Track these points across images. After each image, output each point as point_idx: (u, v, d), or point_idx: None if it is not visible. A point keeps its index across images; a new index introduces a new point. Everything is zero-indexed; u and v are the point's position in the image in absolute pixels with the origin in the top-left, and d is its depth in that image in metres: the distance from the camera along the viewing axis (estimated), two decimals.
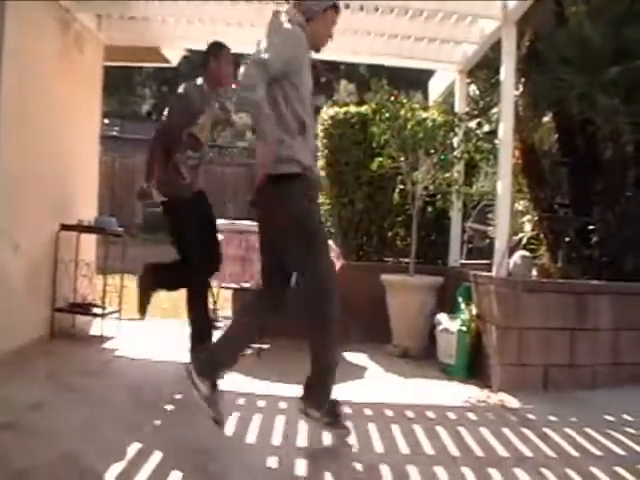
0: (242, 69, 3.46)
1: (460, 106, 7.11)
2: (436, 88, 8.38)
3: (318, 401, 3.68)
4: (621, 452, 3.82)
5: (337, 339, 3.66)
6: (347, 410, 4.36)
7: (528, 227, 7.29)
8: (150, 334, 6.67)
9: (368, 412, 4.38)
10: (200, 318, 5.25)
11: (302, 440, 3.76)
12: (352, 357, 6.03)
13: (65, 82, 6.14)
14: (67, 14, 6.10)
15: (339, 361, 3.73)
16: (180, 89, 5.24)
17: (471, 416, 4.41)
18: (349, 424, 3.84)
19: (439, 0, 5.98)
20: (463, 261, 7.45)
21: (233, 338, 3.80)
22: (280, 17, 3.76)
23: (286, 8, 3.87)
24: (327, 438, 3.79)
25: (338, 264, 6.04)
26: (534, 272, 5.99)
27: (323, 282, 3.62)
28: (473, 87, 8.09)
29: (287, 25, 3.66)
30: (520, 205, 7.43)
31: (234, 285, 6.51)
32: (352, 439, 3.80)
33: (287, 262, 3.71)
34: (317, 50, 3.91)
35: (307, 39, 3.73)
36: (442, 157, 6.37)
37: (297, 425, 3.95)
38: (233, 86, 5.00)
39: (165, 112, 5.30)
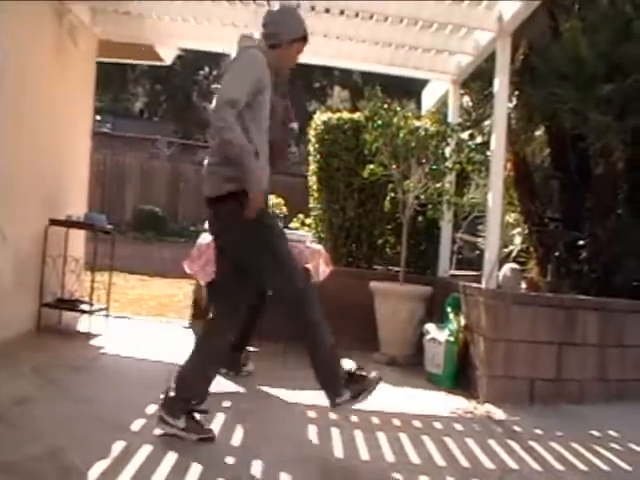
0: (215, 106, 3.47)
1: (453, 117, 7.13)
2: (429, 98, 8.39)
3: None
4: (606, 468, 3.82)
5: None
6: (333, 416, 4.36)
7: (518, 240, 7.32)
8: (137, 332, 6.65)
9: (354, 419, 4.35)
10: None
11: (286, 445, 3.74)
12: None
13: (58, 75, 6.11)
14: (61, 6, 6.06)
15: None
16: None
17: (457, 426, 4.41)
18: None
19: (435, 3, 5.99)
20: (453, 272, 7.46)
21: None
22: (242, 42, 3.77)
23: (251, 32, 3.90)
24: (311, 445, 3.78)
25: (327, 270, 6.03)
26: (523, 285, 6.00)
27: None
28: (466, 98, 8.11)
29: (247, 51, 3.66)
30: (511, 218, 7.46)
31: None
32: (338, 446, 3.79)
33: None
34: (278, 75, 3.89)
35: (271, 62, 3.74)
36: (433, 167, 6.37)
37: (282, 430, 3.94)
38: None
39: None
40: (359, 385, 3.69)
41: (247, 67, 3.61)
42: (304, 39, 3.92)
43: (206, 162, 3.75)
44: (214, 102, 3.51)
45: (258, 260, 3.65)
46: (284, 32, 3.83)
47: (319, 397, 4.74)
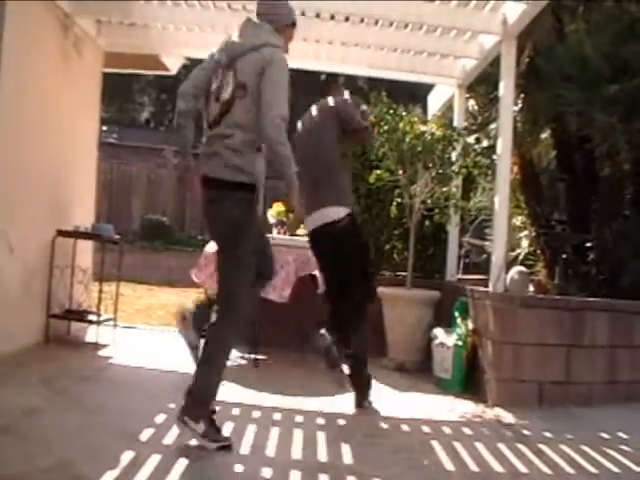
0: (273, 121, 3.54)
1: (459, 121, 7.12)
2: (435, 102, 8.39)
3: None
4: (616, 470, 3.81)
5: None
6: (341, 422, 4.36)
7: (525, 243, 7.30)
8: (145, 341, 6.66)
9: (363, 425, 4.35)
10: None
11: (296, 452, 3.74)
12: (347, 370, 6.00)
13: (64, 87, 6.13)
14: (67, 18, 6.10)
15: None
16: None
17: (466, 431, 4.40)
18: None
19: (440, 7, 5.98)
20: (460, 276, 7.45)
21: None
22: (264, 33, 3.79)
23: (261, 21, 3.89)
24: (322, 451, 3.78)
25: None
26: (531, 288, 5.98)
27: None
28: (472, 102, 8.11)
29: (280, 55, 3.72)
30: (518, 221, 7.44)
31: None
32: (347, 453, 3.78)
33: None
34: None
35: None
36: (440, 171, 6.37)
37: (292, 437, 3.94)
38: None
39: None
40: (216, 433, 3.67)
41: (286, 79, 3.69)
42: (294, 24, 4.05)
43: (220, 146, 3.71)
44: (269, 112, 3.55)
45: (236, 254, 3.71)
46: (281, 19, 3.95)
47: (327, 404, 4.79)
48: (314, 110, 5.16)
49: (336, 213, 4.83)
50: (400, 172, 6.42)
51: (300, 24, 6.42)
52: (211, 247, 6.29)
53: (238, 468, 3.41)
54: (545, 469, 3.73)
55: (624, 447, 4.20)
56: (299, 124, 5.17)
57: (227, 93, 3.71)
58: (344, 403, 4.85)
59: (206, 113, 3.86)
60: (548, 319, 5.17)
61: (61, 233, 6.02)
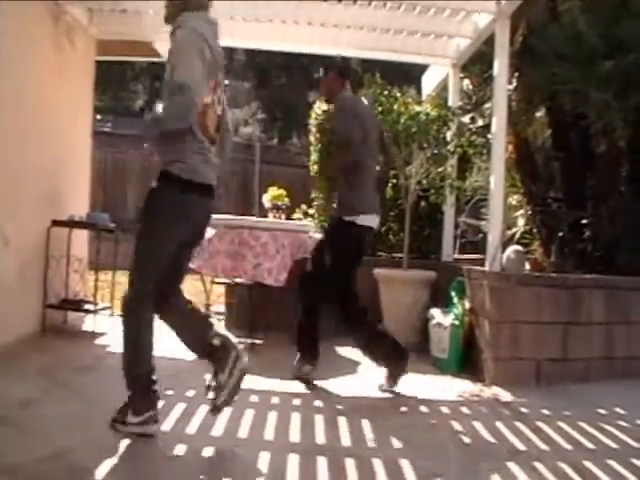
0: None
1: (453, 100, 7.10)
2: (429, 82, 8.36)
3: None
4: (614, 445, 3.82)
5: None
6: (339, 406, 4.36)
7: (521, 221, 7.28)
8: None
9: (361, 406, 4.36)
10: None
11: (294, 435, 3.74)
12: (345, 351, 6.02)
13: (56, 76, 6.10)
14: (57, 7, 6.06)
15: None
16: None
17: (464, 410, 4.41)
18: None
19: None
20: (456, 256, 7.44)
21: None
22: None
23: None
24: (319, 434, 3.79)
25: None
26: (527, 266, 5.97)
27: None
28: (466, 82, 8.08)
29: None
30: (513, 199, 7.43)
31: (226, 280, 6.52)
32: (345, 435, 3.79)
33: None
34: None
35: None
36: (435, 152, 6.35)
37: (289, 420, 3.95)
38: None
39: None
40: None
41: None
42: None
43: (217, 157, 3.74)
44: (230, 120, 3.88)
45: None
46: None
47: (323, 387, 4.79)
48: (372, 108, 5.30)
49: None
50: (395, 153, 6.40)
51: (292, 7, 6.46)
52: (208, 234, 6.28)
53: (237, 451, 3.42)
54: (543, 446, 3.74)
55: (622, 423, 4.22)
56: (359, 106, 5.17)
57: (220, 108, 3.69)
58: (340, 386, 4.86)
59: (205, 122, 3.61)
60: (545, 297, 5.17)
61: (56, 223, 6.01)
